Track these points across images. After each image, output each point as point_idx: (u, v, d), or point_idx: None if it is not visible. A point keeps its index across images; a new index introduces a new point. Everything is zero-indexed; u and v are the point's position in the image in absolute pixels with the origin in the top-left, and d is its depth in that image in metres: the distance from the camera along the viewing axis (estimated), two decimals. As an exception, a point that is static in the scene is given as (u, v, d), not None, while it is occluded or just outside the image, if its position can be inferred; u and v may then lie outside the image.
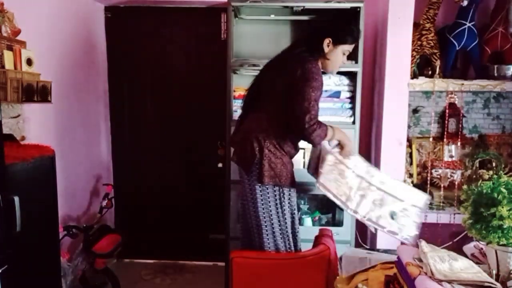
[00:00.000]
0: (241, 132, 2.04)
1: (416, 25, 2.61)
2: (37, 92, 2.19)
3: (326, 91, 2.64)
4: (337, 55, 1.95)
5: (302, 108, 1.82)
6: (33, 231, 1.91)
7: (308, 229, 2.76)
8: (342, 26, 1.97)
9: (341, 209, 2.71)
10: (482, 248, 1.38)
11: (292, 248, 2.02)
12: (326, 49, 1.93)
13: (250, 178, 1.94)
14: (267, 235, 1.96)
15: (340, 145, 1.98)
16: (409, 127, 2.91)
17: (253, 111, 2.05)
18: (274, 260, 1.97)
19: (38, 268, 2.01)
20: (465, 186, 1.33)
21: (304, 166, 2.72)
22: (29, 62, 2.17)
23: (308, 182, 2.68)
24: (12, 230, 1.68)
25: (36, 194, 1.95)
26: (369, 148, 3.07)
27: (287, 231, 1.99)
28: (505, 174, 1.27)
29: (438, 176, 2.75)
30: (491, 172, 2.59)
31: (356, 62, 2.57)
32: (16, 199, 1.68)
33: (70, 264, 2.62)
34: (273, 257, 1.99)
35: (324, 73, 2.02)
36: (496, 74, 2.60)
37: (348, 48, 1.97)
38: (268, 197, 1.93)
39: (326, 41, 1.92)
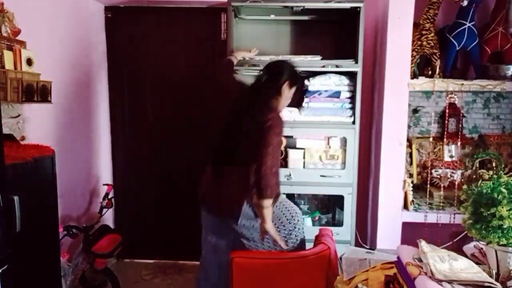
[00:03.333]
0: (227, 187, 2.09)
1: (416, 25, 2.61)
2: (37, 92, 2.19)
3: (326, 91, 2.65)
4: (290, 95, 2.16)
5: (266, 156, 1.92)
6: (33, 231, 1.91)
7: (308, 229, 2.76)
8: (297, 71, 2.18)
9: (341, 209, 2.72)
10: (482, 248, 1.38)
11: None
12: (284, 90, 2.11)
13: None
14: None
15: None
16: (409, 127, 2.91)
17: (231, 160, 2.11)
18: (274, 260, 1.97)
19: (38, 268, 2.01)
20: (465, 186, 1.33)
21: (304, 166, 2.72)
22: (29, 62, 2.17)
23: (308, 182, 2.69)
24: (12, 230, 1.68)
25: (36, 194, 1.95)
26: (369, 148, 3.08)
27: None
28: (505, 174, 1.27)
29: (438, 176, 2.75)
30: (491, 172, 2.59)
31: (356, 62, 2.57)
32: (16, 199, 1.68)
33: (70, 264, 2.62)
34: (273, 256, 1.99)
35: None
36: (496, 74, 2.59)
37: (294, 89, 2.17)
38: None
39: (286, 82, 2.10)
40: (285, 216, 2.13)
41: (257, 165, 1.91)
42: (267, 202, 1.93)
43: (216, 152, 2.19)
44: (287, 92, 2.13)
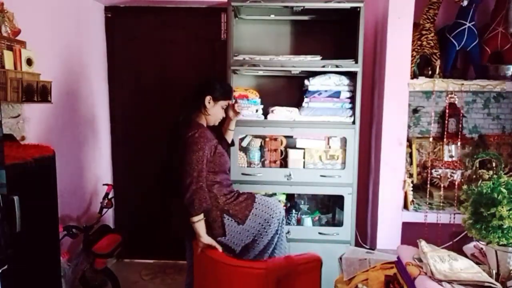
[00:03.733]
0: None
1: (416, 25, 2.61)
2: (37, 92, 2.19)
3: (326, 91, 2.65)
4: (217, 110, 2.28)
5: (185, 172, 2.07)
6: (33, 231, 1.91)
7: (308, 229, 2.77)
8: (219, 84, 2.29)
9: (341, 209, 2.72)
10: (482, 248, 1.38)
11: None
12: (208, 106, 2.24)
13: None
14: None
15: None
16: (409, 127, 2.91)
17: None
18: (220, 263, 2.01)
19: (38, 268, 2.01)
20: (465, 186, 1.33)
21: (304, 166, 2.72)
22: (29, 62, 2.17)
23: (308, 182, 2.69)
24: (12, 230, 1.68)
25: (36, 194, 1.95)
26: (369, 148, 3.08)
27: None
28: (505, 174, 1.27)
29: (438, 176, 2.75)
30: (491, 172, 2.59)
31: (356, 62, 2.57)
32: (16, 199, 1.68)
33: (70, 264, 2.62)
34: (222, 260, 2.02)
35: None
36: (496, 74, 2.59)
37: (225, 103, 2.30)
38: None
39: (207, 98, 2.23)
40: (257, 221, 2.21)
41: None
42: (194, 218, 2.05)
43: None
44: (213, 108, 2.25)
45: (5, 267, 1.56)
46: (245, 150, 2.82)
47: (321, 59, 2.65)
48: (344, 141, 2.68)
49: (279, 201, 2.85)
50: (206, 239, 2.09)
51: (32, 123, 2.38)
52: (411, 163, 2.90)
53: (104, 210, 2.93)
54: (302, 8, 2.58)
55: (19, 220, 1.70)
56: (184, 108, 2.29)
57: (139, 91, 3.43)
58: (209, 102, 2.24)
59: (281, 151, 2.82)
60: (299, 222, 2.83)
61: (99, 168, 3.33)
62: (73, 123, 2.91)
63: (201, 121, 2.26)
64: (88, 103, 3.12)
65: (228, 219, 2.16)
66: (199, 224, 2.08)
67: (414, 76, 2.64)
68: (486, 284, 1.04)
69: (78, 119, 2.97)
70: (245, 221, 2.17)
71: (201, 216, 2.08)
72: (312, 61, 2.64)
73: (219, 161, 2.20)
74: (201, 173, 2.06)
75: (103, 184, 3.20)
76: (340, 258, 1.66)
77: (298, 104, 2.82)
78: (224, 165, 2.24)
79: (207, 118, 2.28)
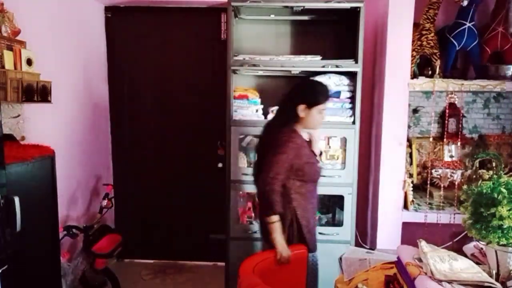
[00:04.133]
0: None
1: (416, 25, 2.61)
2: (37, 92, 2.19)
3: (326, 91, 2.65)
4: (313, 116, 2.02)
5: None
6: (33, 231, 1.92)
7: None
8: (311, 89, 2.05)
9: (341, 209, 2.72)
10: (482, 248, 1.38)
11: None
12: (302, 114, 2.01)
13: None
14: None
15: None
16: (409, 127, 2.91)
17: None
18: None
19: (38, 268, 2.01)
20: (465, 186, 1.33)
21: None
22: (29, 62, 2.17)
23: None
24: (12, 230, 1.68)
25: (36, 194, 1.96)
26: (369, 148, 3.08)
27: None
28: (505, 174, 1.27)
29: (438, 176, 2.75)
30: (491, 172, 2.59)
31: (356, 62, 2.57)
32: (16, 199, 1.68)
33: (70, 264, 2.62)
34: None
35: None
36: (496, 74, 2.59)
37: (322, 107, 2.04)
38: None
39: (301, 107, 2.00)
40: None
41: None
42: (270, 219, 1.94)
43: None
44: (309, 115, 2.02)
45: (5, 267, 1.56)
46: (245, 150, 2.82)
47: (321, 59, 2.65)
48: (344, 141, 2.68)
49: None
50: (280, 242, 1.94)
51: (32, 123, 2.38)
52: (411, 163, 2.90)
53: (104, 210, 2.93)
54: (302, 8, 2.58)
55: (19, 220, 1.70)
56: (277, 120, 2.12)
57: (139, 90, 3.43)
58: (303, 111, 2.01)
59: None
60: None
61: (99, 168, 3.32)
62: (73, 123, 2.91)
63: (295, 127, 2.06)
64: (88, 103, 3.12)
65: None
66: (274, 226, 1.94)
67: (414, 76, 2.64)
68: (486, 284, 1.04)
69: (78, 119, 2.97)
70: (313, 251, 2.08)
71: (276, 217, 1.95)
72: (312, 61, 2.64)
73: (309, 170, 2.03)
74: (277, 176, 1.93)
75: (103, 184, 3.20)
76: (340, 258, 1.67)
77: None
78: (312, 175, 2.08)
79: (305, 125, 2.07)
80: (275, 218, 1.94)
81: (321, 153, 2.40)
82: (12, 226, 1.69)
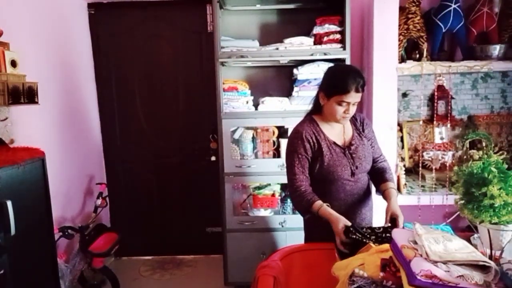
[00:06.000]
0: None
1: (402, 9, 2.61)
2: (23, 94, 2.16)
3: (315, 79, 2.65)
4: (332, 107, 1.81)
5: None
6: (28, 235, 1.90)
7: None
8: (330, 76, 1.86)
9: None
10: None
11: None
12: (322, 102, 1.87)
13: None
14: None
15: None
16: (399, 111, 2.92)
17: None
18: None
19: (36, 271, 2.00)
20: (456, 167, 1.34)
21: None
22: (14, 63, 2.13)
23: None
24: (6, 234, 1.67)
25: (29, 197, 1.94)
26: (361, 134, 3.09)
27: None
28: (494, 153, 1.29)
29: (430, 159, 2.78)
30: (481, 152, 2.62)
31: (344, 49, 2.57)
32: (9, 203, 1.67)
33: (68, 265, 2.62)
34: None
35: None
36: (482, 55, 2.61)
37: (342, 98, 1.76)
38: None
39: (321, 94, 1.86)
40: None
41: None
42: (313, 209, 1.76)
43: None
44: (327, 105, 1.83)
45: (1, 272, 1.55)
46: (237, 142, 2.82)
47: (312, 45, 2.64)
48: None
49: (273, 191, 2.87)
50: (333, 214, 1.68)
51: (20, 126, 2.35)
52: (402, 147, 2.92)
53: (99, 209, 2.91)
54: (287, -4, 2.57)
55: (14, 223, 1.69)
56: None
57: (127, 87, 3.39)
58: (323, 99, 1.85)
59: (274, 141, 2.82)
60: (294, 211, 2.85)
61: (91, 167, 3.30)
62: (62, 123, 2.88)
63: (316, 116, 1.92)
64: (76, 101, 3.09)
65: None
66: (322, 210, 1.71)
67: (402, 60, 2.65)
68: (481, 263, 1.06)
69: (67, 119, 2.94)
70: None
71: (317, 206, 1.73)
72: (300, 50, 2.63)
73: (327, 167, 1.82)
74: (296, 177, 1.82)
75: (97, 183, 3.18)
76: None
77: (288, 93, 2.81)
78: (331, 174, 1.83)
79: (324, 116, 1.89)
80: (315, 207, 1.73)
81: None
82: (6, 230, 1.68)
